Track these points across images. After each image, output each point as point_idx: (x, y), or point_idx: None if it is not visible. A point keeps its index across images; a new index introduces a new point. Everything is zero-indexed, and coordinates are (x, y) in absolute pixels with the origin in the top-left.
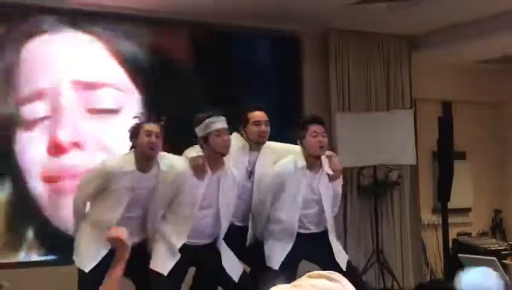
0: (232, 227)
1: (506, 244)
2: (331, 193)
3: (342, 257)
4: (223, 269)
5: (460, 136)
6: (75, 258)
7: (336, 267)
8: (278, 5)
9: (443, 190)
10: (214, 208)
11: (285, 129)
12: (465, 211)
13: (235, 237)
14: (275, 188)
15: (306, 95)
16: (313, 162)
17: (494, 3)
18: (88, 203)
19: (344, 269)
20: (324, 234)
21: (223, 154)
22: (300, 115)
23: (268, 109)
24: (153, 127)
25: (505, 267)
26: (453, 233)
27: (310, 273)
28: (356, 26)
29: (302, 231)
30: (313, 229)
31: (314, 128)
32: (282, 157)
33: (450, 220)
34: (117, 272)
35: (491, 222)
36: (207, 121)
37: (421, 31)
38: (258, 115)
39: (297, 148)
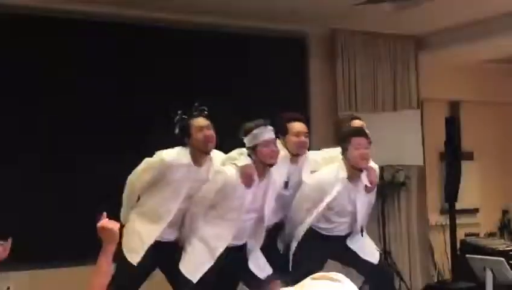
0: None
1: None
2: (366, 204)
3: (370, 253)
4: (248, 270)
5: (468, 136)
6: (123, 248)
7: (365, 264)
8: (285, 6)
9: (450, 190)
10: (258, 213)
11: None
12: (473, 211)
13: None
14: (315, 197)
15: (313, 95)
16: (354, 173)
17: (500, 3)
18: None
19: (376, 262)
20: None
21: (271, 165)
22: (307, 115)
23: (274, 109)
24: (203, 121)
25: None
26: (460, 234)
27: (313, 275)
28: (363, 26)
29: (330, 233)
30: (342, 233)
31: (358, 140)
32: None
33: (458, 220)
34: (103, 263)
35: (499, 223)
36: (255, 131)
37: (427, 31)
38: (299, 126)
39: (337, 154)
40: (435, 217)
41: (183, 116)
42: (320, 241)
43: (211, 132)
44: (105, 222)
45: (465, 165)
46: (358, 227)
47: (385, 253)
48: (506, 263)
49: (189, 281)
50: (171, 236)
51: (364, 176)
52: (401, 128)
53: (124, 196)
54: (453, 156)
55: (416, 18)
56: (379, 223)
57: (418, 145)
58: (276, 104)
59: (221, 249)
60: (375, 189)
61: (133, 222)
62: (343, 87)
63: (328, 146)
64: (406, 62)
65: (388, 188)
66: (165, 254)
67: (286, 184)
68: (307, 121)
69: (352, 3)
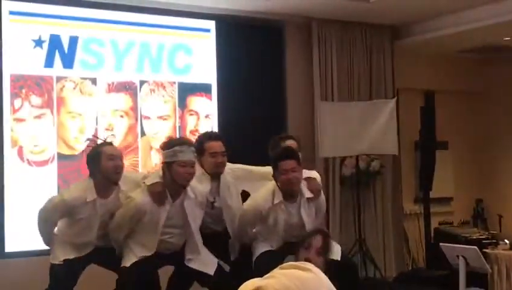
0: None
1: (487, 233)
2: (313, 213)
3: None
4: (191, 270)
5: (443, 125)
6: (50, 256)
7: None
8: None
9: (425, 179)
10: (178, 229)
11: (269, 119)
12: (447, 200)
13: (213, 239)
14: (255, 222)
15: (289, 85)
16: (289, 194)
17: None
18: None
19: (338, 259)
20: None
21: (183, 187)
22: (284, 104)
23: (251, 99)
24: (114, 150)
25: (485, 256)
26: (434, 222)
27: (282, 265)
28: (339, 15)
29: (286, 240)
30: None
31: (284, 165)
32: (245, 180)
33: (432, 209)
34: None
35: (472, 211)
36: (176, 148)
37: (403, 21)
38: (215, 145)
39: (258, 170)
40: (410, 206)
41: (95, 145)
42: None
43: (122, 162)
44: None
45: (440, 155)
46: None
47: (360, 241)
48: (479, 251)
49: (124, 267)
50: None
51: (304, 188)
52: (377, 118)
53: (38, 228)
54: (428, 145)
55: (392, 8)
56: (354, 211)
57: (393, 135)
58: (252, 93)
59: (144, 255)
60: (321, 195)
61: (58, 245)
62: (319, 76)
63: (304, 134)
64: (381, 51)
65: (363, 177)
66: (102, 253)
67: (212, 205)
68: (284, 110)
69: None
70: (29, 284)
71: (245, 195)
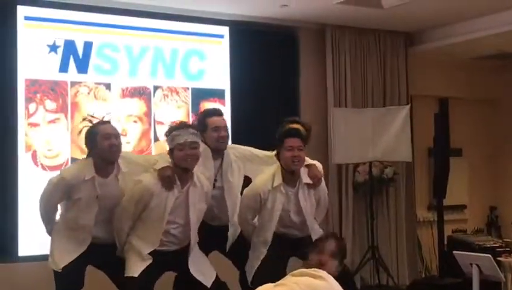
0: (206, 227)
1: (501, 241)
2: (312, 201)
3: None
4: (191, 277)
5: (457, 132)
6: (49, 259)
7: None
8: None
9: (439, 186)
10: (183, 220)
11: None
12: (461, 207)
13: (214, 236)
14: (255, 207)
15: (303, 91)
16: (290, 176)
17: (488, 1)
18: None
19: None
20: (309, 237)
21: (186, 170)
22: (297, 110)
23: (265, 105)
24: (111, 129)
25: (499, 264)
26: (448, 230)
27: (293, 272)
28: (353, 22)
29: (287, 236)
30: (298, 234)
31: (291, 141)
32: (248, 161)
33: (446, 217)
34: None
35: (486, 219)
36: (174, 133)
37: (417, 28)
38: (217, 120)
39: (263, 154)
40: (423, 213)
41: (89, 123)
42: (281, 248)
43: (118, 141)
44: None
45: (454, 162)
46: (309, 226)
47: (373, 248)
48: (493, 259)
49: (132, 277)
50: (104, 241)
51: (304, 174)
52: (391, 125)
53: (40, 214)
54: (442, 152)
55: (407, 14)
56: (367, 218)
57: (407, 141)
58: (266, 99)
59: (146, 253)
60: (323, 184)
61: (57, 237)
62: (333, 82)
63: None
64: (395, 58)
65: (376, 184)
66: (101, 254)
67: (214, 184)
68: (296, 116)
69: (335, 2)
70: (42, 288)
71: (246, 183)
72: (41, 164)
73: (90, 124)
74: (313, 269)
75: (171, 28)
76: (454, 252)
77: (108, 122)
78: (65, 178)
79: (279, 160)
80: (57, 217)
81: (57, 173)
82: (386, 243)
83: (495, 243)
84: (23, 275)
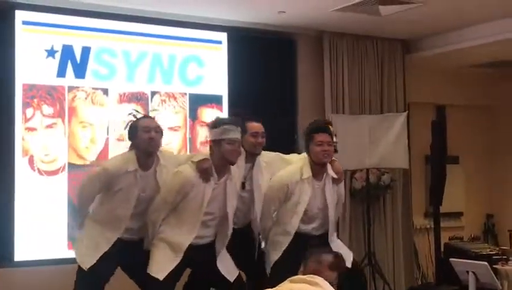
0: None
1: (497, 249)
2: (335, 197)
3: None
4: (217, 271)
5: (454, 140)
6: (76, 256)
7: None
8: (273, 7)
9: (435, 193)
10: (219, 212)
11: (280, 131)
12: (457, 215)
13: (234, 238)
14: (280, 199)
15: (300, 97)
16: (318, 170)
17: (486, 9)
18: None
19: (349, 266)
20: (323, 235)
21: (231, 163)
22: (295, 117)
23: (262, 111)
24: (150, 122)
25: (496, 272)
26: (445, 237)
27: (292, 278)
28: (350, 29)
29: (305, 234)
30: (315, 233)
31: (320, 137)
32: (277, 166)
33: (442, 224)
34: None
35: (483, 227)
36: (226, 126)
37: (415, 35)
38: (257, 126)
39: (290, 158)
40: (420, 220)
41: (133, 118)
42: (302, 245)
43: (158, 135)
44: None
45: (450, 169)
46: (330, 221)
47: (369, 254)
48: (489, 267)
49: (156, 280)
50: (133, 236)
51: (330, 169)
52: (388, 131)
53: (76, 206)
54: (439, 159)
55: (404, 22)
56: (364, 225)
57: (404, 148)
58: (263, 105)
59: (185, 245)
60: (343, 182)
61: (88, 229)
62: (330, 89)
63: None
64: (393, 65)
65: (373, 190)
66: (127, 254)
67: (243, 185)
68: (294, 122)
69: (332, 9)
70: None
71: None
72: (38, 169)
73: (134, 119)
74: (310, 275)
75: (169, 33)
76: (450, 259)
77: (150, 116)
78: (108, 169)
79: (308, 153)
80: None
81: (53, 178)
82: (382, 250)
83: (491, 251)
84: (20, 281)
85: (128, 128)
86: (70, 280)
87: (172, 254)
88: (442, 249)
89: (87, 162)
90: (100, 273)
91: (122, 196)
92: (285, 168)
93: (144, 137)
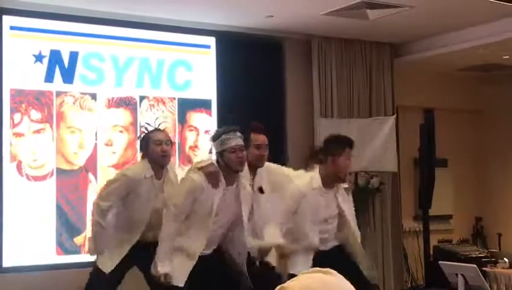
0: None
1: (486, 251)
2: (351, 206)
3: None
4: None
5: (442, 143)
6: (96, 258)
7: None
8: (261, 11)
9: (424, 197)
10: (234, 217)
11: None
12: (446, 218)
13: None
14: (292, 205)
15: (289, 101)
16: (329, 182)
17: (473, 13)
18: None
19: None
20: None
21: (237, 171)
22: (283, 121)
23: (251, 115)
24: (162, 135)
25: (485, 274)
26: (434, 240)
27: (305, 271)
28: (339, 33)
29: (322, 247)
30: (334, 243)
31: (349, 153)
32: (278, 177)
33: (431, 227)
34: None
35: (472, 229)
36: (223, 137)
37: (403, 39)
38: (260, 138)
39: (290, 172)
40: (409, 223)
41: (145, 130)
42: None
43: (169, 147)
44: None
45: (439, 172)
46: (352, 232)
47: None
48: (478, 269)
49: (176, 287)
50: (150, 239)
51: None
52: (376, 135)
53: (95, 219)
54: (427, 162)
55: (392, 26)
56: None
57: (392, 152)
58: (252, 109)
59: (198, 251)
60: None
61: (109, 234)
62: (319, 93)
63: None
64: (381, 69)
65: (362, 194)
66: (145, 254)
67: (261, 189)
68: (283, 126)
69: (320, 13)
70: None
71: None
72: (26, 174)
73: (146, 131)
74: (324, 269)
75: (157, 38)
76: (440, 262)
77: (161, 129)
78: (127, 175)
79: (326, 165)
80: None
81: (41, 183)
82: (372, 253)
83: (480, 253)
84: (8, 287)
85: (140, 140)
86: (60, 285)
87: (187, 259)
88: (431, 252)
89: (75, 168)
90: (119, 276)
91: (143, 200)
92: (296, 180)
93: (156, 150)
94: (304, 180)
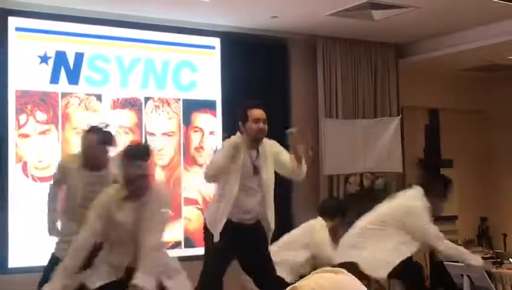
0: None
1: (492, 252)
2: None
3: None
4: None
5: (447, 144)
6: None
7: None
8: (267, 12)
9: None
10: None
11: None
12: (452, 218)
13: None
14: None
15: (294, 102)
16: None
17: (478, 14)
18: None
19: None
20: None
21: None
22: (288, 121)
23: None
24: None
25: (490, 275)
26: None
27: (315, 270)
28: (343, 34)
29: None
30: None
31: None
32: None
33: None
34: None
35: (477, 230)
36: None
37: (408, 39)
38: (258, 113)
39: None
40: None
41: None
42: None
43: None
44: None
45: (444, 173)
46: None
47: None
48: (484, 270)
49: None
50: None
51: None
52: (381, 135)
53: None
54: (432, 163)
55: (397, 26)
56: None
57: (397, 152)
58: None
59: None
60: None
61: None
62: (324, 94)
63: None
64: (386, 69)
65: (368, 194)
66: None
67: (255, 169)
68: (288, 126)
69: (325, 14)
70: None
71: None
72: (32, 175)
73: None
74: (335, 268)
75: (162, 39)
76: (445, 262)
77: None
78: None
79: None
80: None
81: (47, 184)
82: None
83: (486, 254)
84: (14, 287)
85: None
86: None
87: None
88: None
89: None
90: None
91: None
92: None
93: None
94: None
